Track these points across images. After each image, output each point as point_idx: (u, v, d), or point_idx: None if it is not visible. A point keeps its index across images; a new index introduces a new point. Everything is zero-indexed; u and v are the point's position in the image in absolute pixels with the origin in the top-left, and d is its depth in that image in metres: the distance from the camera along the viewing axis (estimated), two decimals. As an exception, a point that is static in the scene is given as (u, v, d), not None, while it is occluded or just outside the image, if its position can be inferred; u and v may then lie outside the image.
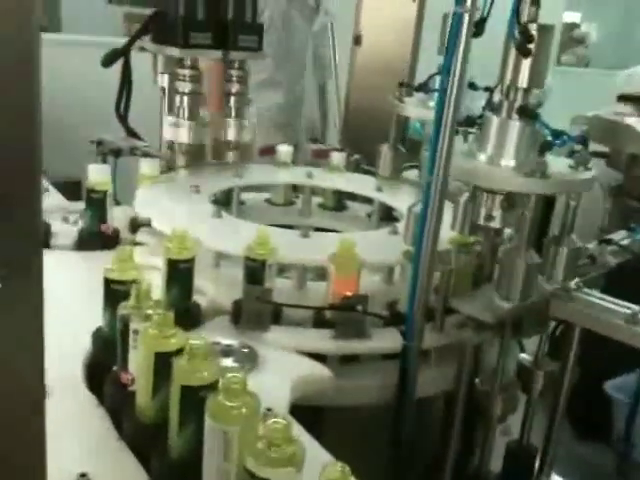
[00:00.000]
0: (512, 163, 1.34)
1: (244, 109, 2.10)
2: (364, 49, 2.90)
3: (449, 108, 1.22)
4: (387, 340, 1.38)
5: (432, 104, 1.97)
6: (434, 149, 1.25)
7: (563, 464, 1.62)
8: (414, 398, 1.38)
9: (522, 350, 1.63)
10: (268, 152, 2.26)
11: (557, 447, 1.52)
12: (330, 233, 1.72)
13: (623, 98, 3.39)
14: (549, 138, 1.35)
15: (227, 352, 1.24)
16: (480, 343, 1.42)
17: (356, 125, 2.89)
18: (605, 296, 1.43)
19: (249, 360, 1.23)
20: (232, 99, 2.08)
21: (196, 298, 1.39)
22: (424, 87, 2.05)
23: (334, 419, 1.39)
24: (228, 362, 1.20)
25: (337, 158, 2.16)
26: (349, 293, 1.37)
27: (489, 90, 1.45)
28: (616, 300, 1.41)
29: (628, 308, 1.36)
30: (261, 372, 1.21)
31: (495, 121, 1.36)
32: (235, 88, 2.08)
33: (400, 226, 1.67)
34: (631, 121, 2.75)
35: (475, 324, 1.34)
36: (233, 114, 2.09)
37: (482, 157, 1.37)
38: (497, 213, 1.39)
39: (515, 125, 1.34)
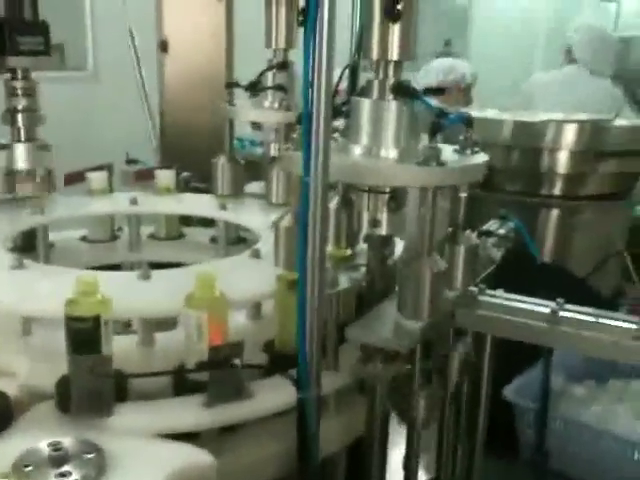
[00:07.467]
0: (393, 153, 1.10)
1: (35, 129, 1.66)
2: (173, 55, 2.58)
3: (319, 104, 0.94)
4: (275, 394, 1.06)
5: (267, 104, 1.75)
6: (307, 146, 0.96)
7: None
8: (318, 460, 1.08)
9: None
10: (75, 179, 1.83)
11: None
12: (174, 269, 1.36)
13: (427, 91, 3.43)
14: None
15: (58, 460, 0.85)
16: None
17: (175, 140, 2.55)
18: (513, 295, 1.23)
19: (93, 466, 0.85)
20: (19, 117, 1.64)
21: (0, 385, 0.98)
22: (255, 86, 1.77)
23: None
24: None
25: (165, 177, 1.80)
26: (217, 343, 1.04)
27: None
28: (525, 298, 1.22)
29: (545, 306, 1.17)
30: (115, 481, 0.84)
31: (366, 104, 1.10)
32: (22, 103, 1.64)
33: (261, 247, 1.37)
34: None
35: (383, 355, 1.07)
36: (23, 136, 1.65)
37: (357, 149, 1.11)
38: (384, 216, 1.15)
39: (392, 106, 1.09)
